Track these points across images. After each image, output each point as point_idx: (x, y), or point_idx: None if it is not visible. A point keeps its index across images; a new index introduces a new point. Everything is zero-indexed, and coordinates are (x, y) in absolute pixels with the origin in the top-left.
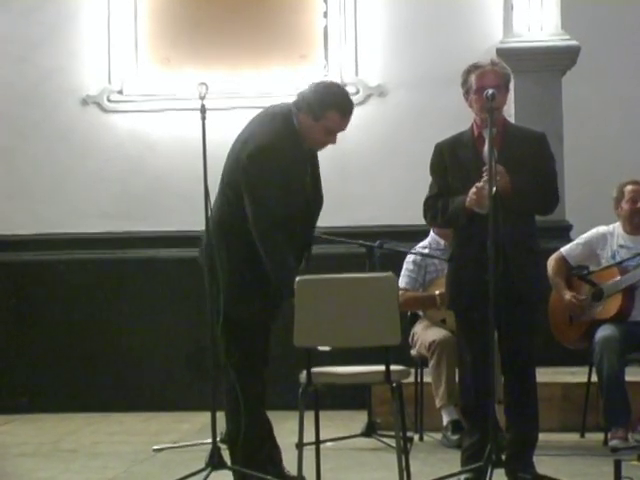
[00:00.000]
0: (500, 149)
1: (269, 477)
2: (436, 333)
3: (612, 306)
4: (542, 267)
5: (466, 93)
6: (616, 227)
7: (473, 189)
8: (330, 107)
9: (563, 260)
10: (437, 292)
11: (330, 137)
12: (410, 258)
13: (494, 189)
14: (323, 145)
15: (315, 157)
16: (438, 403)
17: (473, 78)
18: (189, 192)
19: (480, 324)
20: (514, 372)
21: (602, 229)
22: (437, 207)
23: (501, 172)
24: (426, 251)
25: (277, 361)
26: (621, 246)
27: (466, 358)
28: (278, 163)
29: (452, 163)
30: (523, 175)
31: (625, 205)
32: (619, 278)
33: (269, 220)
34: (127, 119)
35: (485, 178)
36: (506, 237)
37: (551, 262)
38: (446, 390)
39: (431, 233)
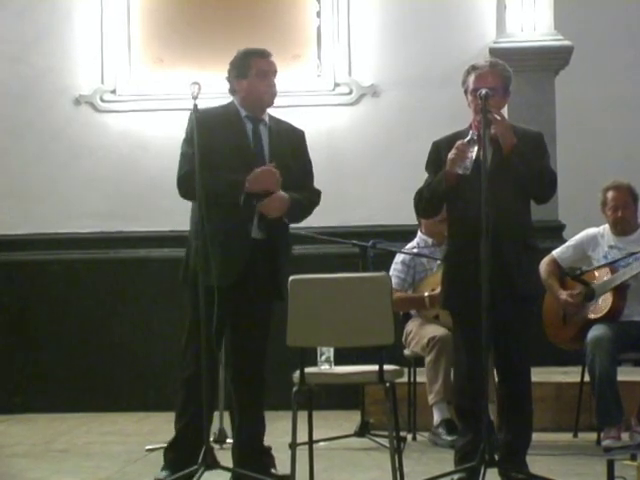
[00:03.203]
0: (497, 148)
1: (260, 476)
2: (435, 330)
3: (604, 305)
4: (538, 263)
5: (465, 93)
6: (606, 228)
7: (455, 147)
8: (248, 57)
9: (555, 263)
10: (426, 294)
11: (267, 80)
12: (399, 259)
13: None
14: (269, 93)
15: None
16: (432, 400)
17: (471, 79)
18: None
19: (475, 323)
20: (508, 371)
21: (592, 231)
22: (423, 188)
23: (500, 117)
24: (415, 251)
25: (270, 361)
26: (611, 247)
27: (461, 357)
28: (200, 123)
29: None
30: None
31: (608, 212)
32: (610, 277)
33: (180, 177)
34: (120, 119)
35: (467, 138)
36: (502, 233)
37: (543, 265)
38: (443, 386)
39: (419, 233)
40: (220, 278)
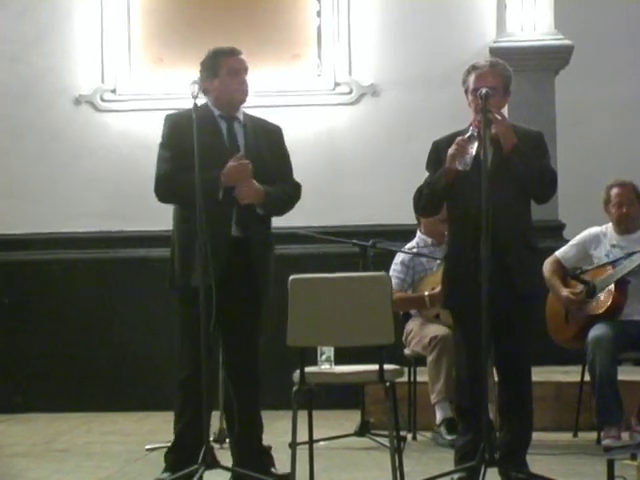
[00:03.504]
0: (497, 148)
1: (262, 477)
2: (436, 329)
3: (605, 301)
4: (540, 264)
5: (465, 93)
6: (608, 227)
7: (455, 143)
8: (218, 57)
9: (558, 263)
10: (426, 293)
11: (238, 78)
12: (398, 259)
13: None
14: (241, 91)
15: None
16: (434, 399)
17: (471, 79)
18: None
19: (476, 322)
20: (509, 371)
21: (594, 230)
22: (423, 186)
23: (500, 117)
24: (414, 251)
25: (270, 360)
26: (614, 246)
27: (462, 356)
28: (169, 129)
29: (453, 183)
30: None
31: (612, 209)
32: (611, 272)
33: (157, 180)
34: (120, 118)
35: (467, 134)
36: (503, 233)
37: (546, 265)
38: (445, 385)
39: (418, 233)
40: (204, 277)
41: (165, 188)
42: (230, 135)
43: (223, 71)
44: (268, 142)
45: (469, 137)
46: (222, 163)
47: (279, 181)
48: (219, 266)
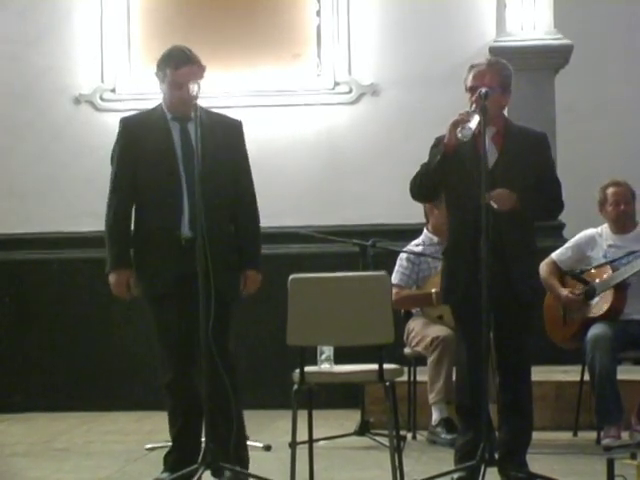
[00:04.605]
0: (501, 148)
1: (260, 476)
2: (439, 330)
3: (604, 303)
4: (539, 264)
5: (465, 91)
6: (604, 228)
7: (458, 114)
8: (165, 64)
9: (554, 265)
10: (433, 290)
11: (180, 90)
12: (404, 255)
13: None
14: (182, 100)
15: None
16: (432, 399)
17: (469, 77)
18: None
19: (475, 320)
20: (509, 371)
21: (590, 231)
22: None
23: (507, 195)
24: (419, 248)
25: (270, 360)
26: (610, 246)
27: (462, 354)
28: (120, 137)
29: (451, 158)
30: (527, 176)
31: (609, 208)
32: (611, 275)
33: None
34: (120, 118)
35: (471, 109)
36: (503, 235)
37: (543, 267)
38: (444, 386)
39: (424, 231)
40: (161, 286)
41: (113, 230)
42: (184, 137)
43: (168, 79)
44: (226, 138)
45: (472, 111)
46: (171, 171)
47: (236, 189)
48: (169, 272)
